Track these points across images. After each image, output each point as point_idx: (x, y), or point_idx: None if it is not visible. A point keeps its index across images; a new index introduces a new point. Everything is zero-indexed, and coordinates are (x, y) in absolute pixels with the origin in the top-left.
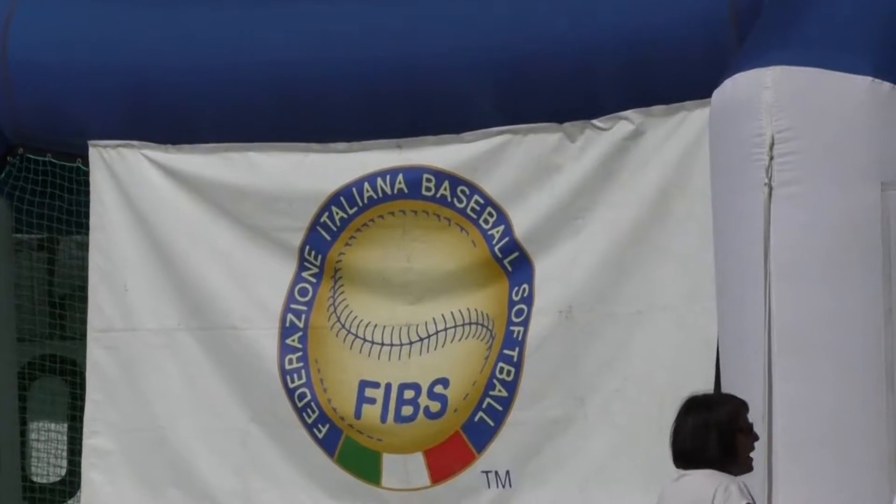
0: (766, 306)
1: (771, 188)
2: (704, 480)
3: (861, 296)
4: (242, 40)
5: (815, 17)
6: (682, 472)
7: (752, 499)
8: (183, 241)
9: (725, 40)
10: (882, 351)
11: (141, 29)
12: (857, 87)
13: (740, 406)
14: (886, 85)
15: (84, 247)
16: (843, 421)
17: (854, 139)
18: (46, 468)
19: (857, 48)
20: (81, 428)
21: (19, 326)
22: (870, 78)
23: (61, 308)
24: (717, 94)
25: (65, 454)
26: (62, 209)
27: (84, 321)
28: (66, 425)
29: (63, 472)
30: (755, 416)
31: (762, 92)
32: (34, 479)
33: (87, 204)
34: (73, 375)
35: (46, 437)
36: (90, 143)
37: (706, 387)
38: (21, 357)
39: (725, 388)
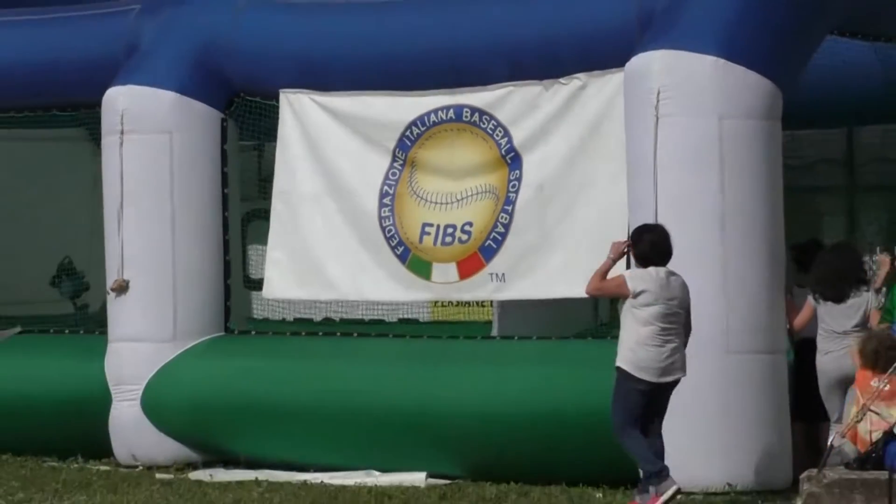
0: (654, 190)
1: (657, 117)
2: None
3: (708, 185)
4: (367, 36)
5: (685, 19)
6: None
7: None
8: (328, 147)
9: (633, 33)
10: (718, 212)
11: (309, 28)
12: (706, 62)
13: None
14: (723, 61)
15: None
16: (689, 259)
17: (704, 91)
18: (257, 269)
19: (708, 38)
20: None
21: (242, 192)
22: (713, 57)
23: (264, 182)
24: (629, 64)
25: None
26: (265, 127)
27: None
28: (266, 246)
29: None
30: None
31: (653, 63)
32: (250, 275)
33: (277, 125)
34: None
35: (257, 252)
36: (281, 91)
37: (623, 228)
38: (243, 209)
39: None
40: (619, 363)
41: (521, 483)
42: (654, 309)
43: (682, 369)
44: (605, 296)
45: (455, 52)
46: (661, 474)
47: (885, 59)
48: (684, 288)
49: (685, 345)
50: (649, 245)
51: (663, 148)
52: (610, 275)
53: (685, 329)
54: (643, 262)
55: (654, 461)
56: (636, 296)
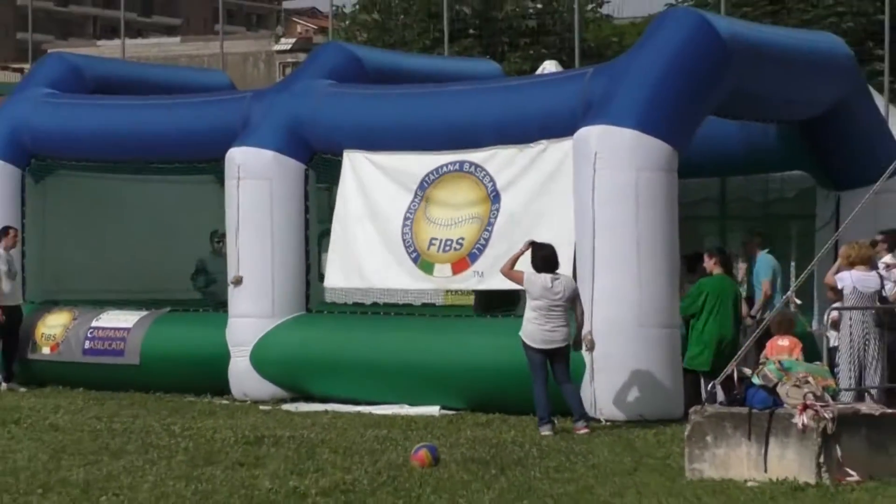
0: (592, 218)
1: (595, 170)
2: None
3: (628, 216)
4: (403, 114)
5: (614, 105)
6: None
7: None
8: (371, 187)
9: (579, 113)
10: (635, 235)
11: (364, 110)
12: (627, 134)
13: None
14: (638, 133)
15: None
16: (615, 266)
17: (626, 153)
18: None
19: (629, 118)
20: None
21: (318, 217)
22: (632, 130)
23: (332, 210)
24: (576, 134)
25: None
26: (333, 175)
27: None
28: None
29: None
30: (588, 257)
31: (592, 134)
32: (323, 274)
33: (340, 173)
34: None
35: (327, 258)
36: (345, 151)
37: (570, 245)
38: (319, 229)
39: (579, 246)
40: (520, 333)
41: (503, 413)
42: (538, 302)
43: (563, 341)
44: (511, 280)
45: (460, 126)
46: (541, 421)
47: (747, 134)
48: (570, 286)
49: (580, 324)
50: (541, 259)
51: (598, 191)
52: (519, 264)
53: (577, 311)
54: (537, 269)
55: (542, 408)
56: (528, 291)
